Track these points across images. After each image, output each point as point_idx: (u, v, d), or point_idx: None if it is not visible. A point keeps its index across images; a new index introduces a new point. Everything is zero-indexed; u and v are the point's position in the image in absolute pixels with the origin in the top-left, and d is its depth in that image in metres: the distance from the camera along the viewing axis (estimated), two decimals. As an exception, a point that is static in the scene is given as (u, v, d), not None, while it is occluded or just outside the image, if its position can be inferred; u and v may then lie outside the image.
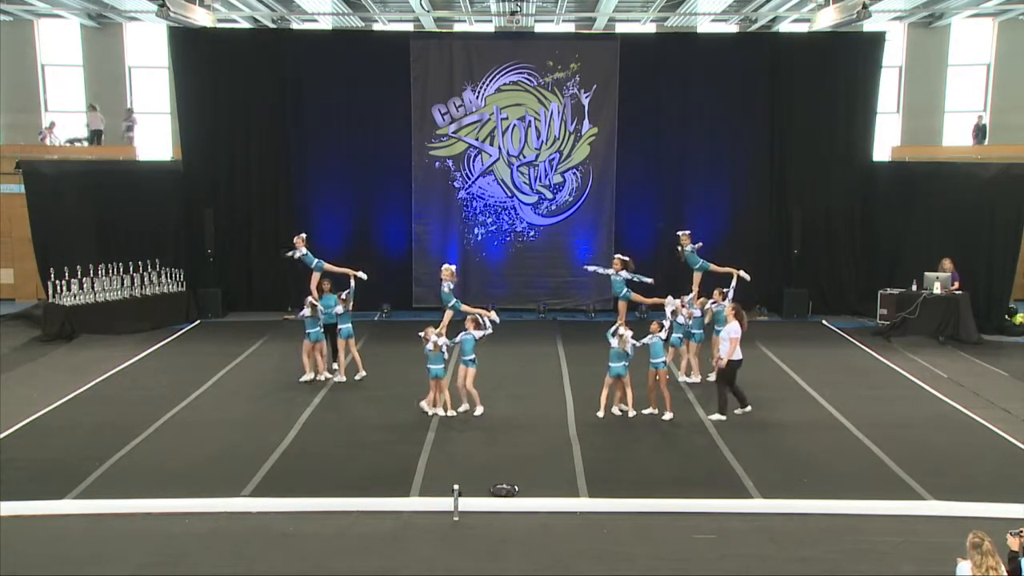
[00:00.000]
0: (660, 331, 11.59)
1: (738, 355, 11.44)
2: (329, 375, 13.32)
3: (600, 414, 11.52)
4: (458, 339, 11.53)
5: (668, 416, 11.51)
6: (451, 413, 11.56)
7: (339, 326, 13.19)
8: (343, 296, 13.28)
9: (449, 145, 18.53)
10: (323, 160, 18.55)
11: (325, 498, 8.85)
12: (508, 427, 11.23)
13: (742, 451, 10.27)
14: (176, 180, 18.56)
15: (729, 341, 11.38)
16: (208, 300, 18.12)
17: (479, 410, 11.64)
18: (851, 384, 13.30)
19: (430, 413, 11.53)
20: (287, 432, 10.89)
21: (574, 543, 8.06)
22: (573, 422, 11.37)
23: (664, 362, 11.58)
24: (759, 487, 9.19)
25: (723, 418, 11.38)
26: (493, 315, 11.98)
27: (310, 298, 13.21)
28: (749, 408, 11.56)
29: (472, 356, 11.55)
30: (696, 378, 13.15)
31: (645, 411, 11.64)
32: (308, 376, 13.19)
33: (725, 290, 13.05)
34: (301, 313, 13.22)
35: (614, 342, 11.33)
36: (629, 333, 11.36)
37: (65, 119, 22.00)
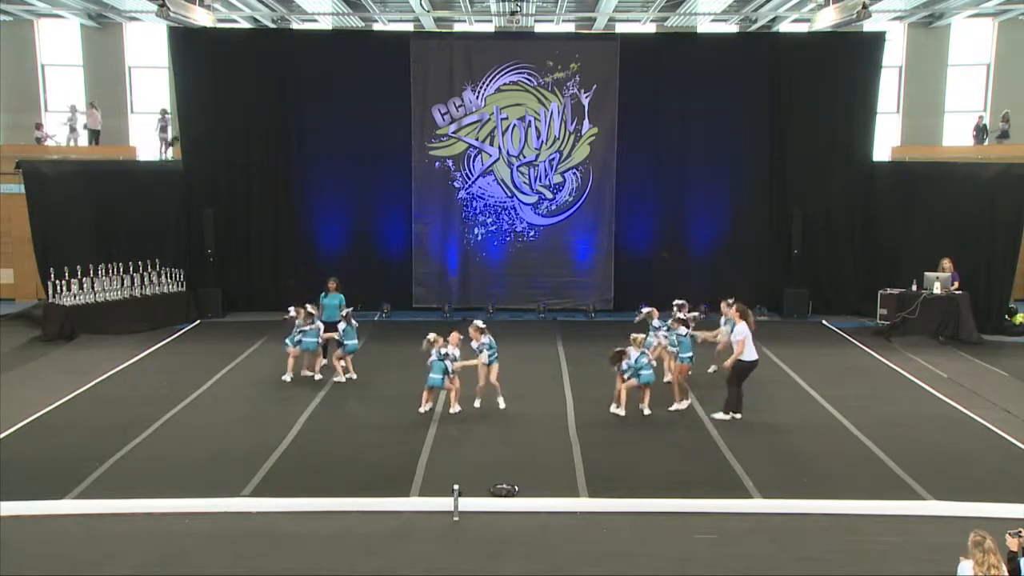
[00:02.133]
0: (690, 326, 11.87)
1: (752, 356, 11.39)
2: (310, 373, 13.45)
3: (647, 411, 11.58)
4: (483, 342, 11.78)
5: (677, 408, 11.69)
6: (452, 410, 11.56)
7: (345, 341, 13.21)
8: (345, 313, 13.35)
9: (449, 145, 18.54)
10: (323, 160, 18.56)
11: (325, 498, 8.85)
12: (508, 427, 11.23)
13: (742, 451, 10.27)
14: (176, 180, 18.58)
15: (737, 343, 11.34)
16: (208, 300, 18.13)
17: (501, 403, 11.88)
18: (851, 384, 13.30)
19: (423, 410, 11.57)
20: (287, 432, 10.90)
21: (574, 543, 8.05)
22: (573, 422, 11.37)
23: (691, 357, 11.95)
24: (759, 487, 9.19)
25: (726, 417, 11.38)
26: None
27: (309, 306, 13.33)
28: (739, 416, 11.43)
29: (495, 352, 11.82)
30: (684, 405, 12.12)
31: (675, 407, 11.75)
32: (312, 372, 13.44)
33: (729, 300, 12.96)
34: (294, 317, 13.34)
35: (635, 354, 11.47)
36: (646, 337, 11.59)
37: (60, 119, 21.98)
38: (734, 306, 11.97)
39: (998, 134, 21.48)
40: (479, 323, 11.99)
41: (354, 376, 13.34)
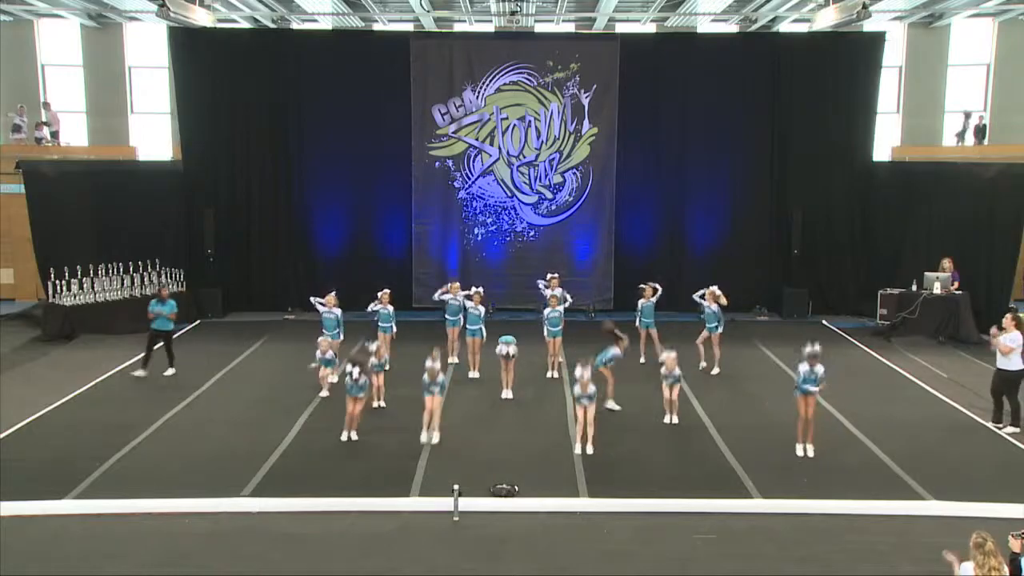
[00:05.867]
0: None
1: (1019, 365, 11.05)
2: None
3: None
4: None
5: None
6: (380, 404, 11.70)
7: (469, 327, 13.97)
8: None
9: (449, 145, 18.54)
10: (323, 160, 18.56)
11: (325, 498, 8.86)
12: (508, 427, 11.24)
13: (742, 451, 10.28)
14: (176, 180, 18.57)
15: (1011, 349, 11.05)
16: (208, 300, 18.13)
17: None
18: (851, 384, 13.28)
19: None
20: (287, 432, 10.90)
21: (574, 543, 8.06)
22: (573, 422, 11.36)
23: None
24: (759, 487, 9.20)
25: (1017, 430, 11.04)
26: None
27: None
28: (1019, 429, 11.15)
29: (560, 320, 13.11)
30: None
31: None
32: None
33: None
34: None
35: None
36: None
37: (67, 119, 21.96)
38: (1012, 318, 11.35)
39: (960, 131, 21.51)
40: (480, 290, 13.77)
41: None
